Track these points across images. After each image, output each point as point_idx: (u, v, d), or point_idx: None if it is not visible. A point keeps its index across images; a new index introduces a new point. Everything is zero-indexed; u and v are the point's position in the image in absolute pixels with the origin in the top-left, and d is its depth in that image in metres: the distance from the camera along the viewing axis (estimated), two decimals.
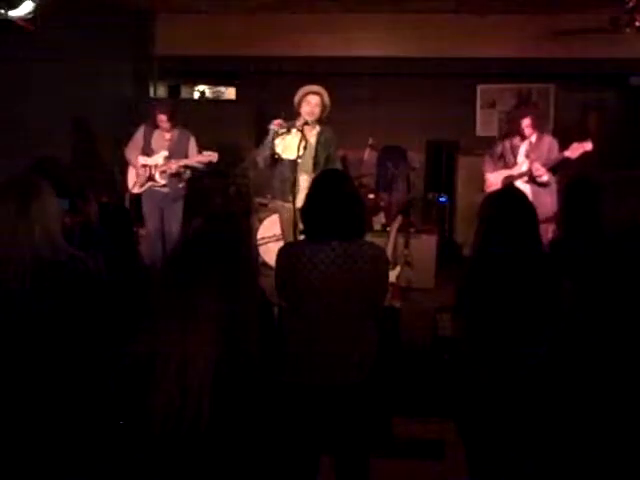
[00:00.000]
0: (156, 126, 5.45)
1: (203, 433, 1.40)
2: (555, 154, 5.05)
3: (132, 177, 5.56)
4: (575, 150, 4.80)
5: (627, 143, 6.94)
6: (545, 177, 4.90)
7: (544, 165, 4.96)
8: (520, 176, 5.06)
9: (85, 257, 2.17)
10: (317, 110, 4.68)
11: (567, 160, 4.83)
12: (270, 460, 1.51)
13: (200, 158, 5.44)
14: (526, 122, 5.04)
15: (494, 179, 5.25)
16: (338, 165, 4.90)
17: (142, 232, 5.50)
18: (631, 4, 4.94)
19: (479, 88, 7.58)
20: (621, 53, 6.25)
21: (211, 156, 5.43)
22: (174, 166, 5.42)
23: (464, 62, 6.79)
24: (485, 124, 7.47)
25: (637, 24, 5.05)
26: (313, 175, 4.63)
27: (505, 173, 5.21)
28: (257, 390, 1.49)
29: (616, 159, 6.43)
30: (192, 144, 5.54)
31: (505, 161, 5.23)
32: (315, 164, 4.70)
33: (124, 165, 5.64)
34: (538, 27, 6.46)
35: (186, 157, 5.47)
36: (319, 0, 6.25)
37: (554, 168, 4.98)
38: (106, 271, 2.28)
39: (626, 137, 7.06)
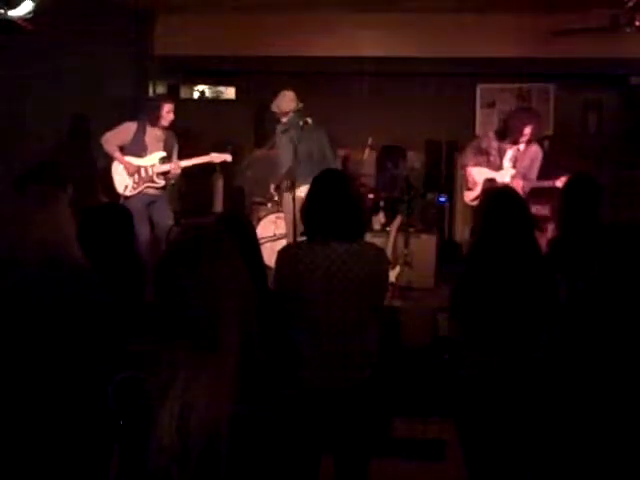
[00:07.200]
0: (155, 123, 5.30)
1: (213, 472, 1.33)
2: (537, 167, 5.01)
3: (122, 179, 5.32)
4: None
5: (627, 143, 6.94)
6: None
7: (528, 182, 4.91)
8: (502, 184, 5.00)
9: (91, 270, 2.08)
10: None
11: (555, 190, 4.57)
12: (273, 463, 1.48)
13: (214, 159, 5.43)
14: (528, 130, 4.94)
15: (477, 176, 5.20)
16: (332, 163, 5.16)
17: None
18: (631, 4, 4.93)
19: (479, 88, 7.58)
20: (621, 53, 6.23)
21: (224, 157, 5.45)
22: (182, 165, 5.34)
23: (464, 62, 6.78)
24: (485, 124, 7.45)
25: (637, 24, 5.04)
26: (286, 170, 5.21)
27: (488, 174, 5.14)
28: (274, 422, 1.43)
29: (616, 159, 6.44)
30: (176, 145, 5.48)
31: (489, 159, 5.16)
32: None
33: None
34: (538, 27, 6.44)
35: (170, 158, 5.39)
36: (319, 0, 6.24)
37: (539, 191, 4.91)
38: (106, 276, 2.24)
39: (626, 137, 7.05)
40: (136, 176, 5.29)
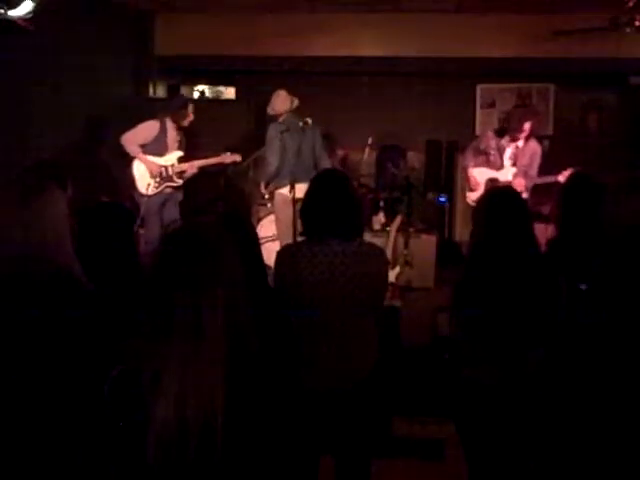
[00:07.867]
0: (179, 122, 5.33)
1: (212, 463, 1.33)
2: (537, 163, 5.04)
3: (145, 179, 5.31)
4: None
5: (627, 143, 6.94)
6: (524, 195, 4.75)
7: (530, 179, 4.94)
8: (505, 183, 5.02)
9: (81, 273, 2.02)
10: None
11: (557, 184, 4.63)
12: (272, 463, 1.48)
13: (225, 159, 5.47)
14: (527, 125, 5.01)
15: (479, 177, 5.23)
16: (328, 163, 5.17)
17: (142, 232, 5.44)
18: (631, 4, 4.93)
19: (479, 88, 7.58)
20: (621, 53, 6.23)
21: (234, 157, 5.50)
22: (197, 165, 5.36)
23: (464, 62, 6.78)
24: (485, 124, 7.45)
25: (637, 24, 5.04)
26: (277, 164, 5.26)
27: (490, 174, 5.18)
28: (271, 411, 1.43)
29: (616, 159, 6.43)
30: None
31: (488, 159, 5.20)
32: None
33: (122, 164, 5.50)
34: (538, 27, 6.45)
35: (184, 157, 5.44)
36: (319, 0, 6.25)
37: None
38: (102, 275, 2.21)
39: (626, 137, 7.05)
40: (158, 176, 5.32)
